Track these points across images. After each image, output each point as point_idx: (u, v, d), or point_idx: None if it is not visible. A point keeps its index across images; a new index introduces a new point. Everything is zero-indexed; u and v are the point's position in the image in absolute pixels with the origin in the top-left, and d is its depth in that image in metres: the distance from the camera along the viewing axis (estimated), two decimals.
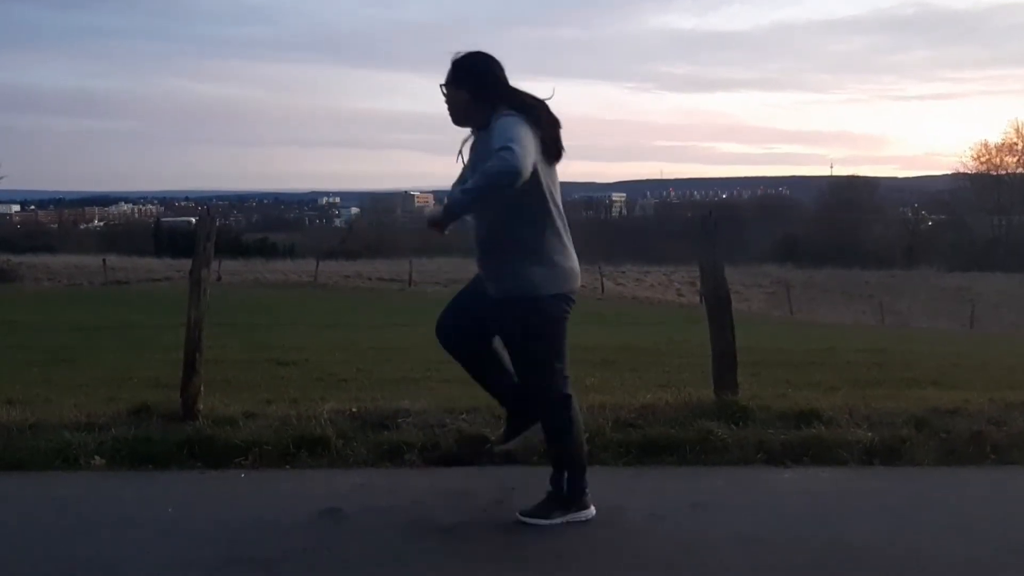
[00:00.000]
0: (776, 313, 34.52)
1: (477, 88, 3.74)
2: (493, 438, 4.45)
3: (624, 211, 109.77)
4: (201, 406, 5.34)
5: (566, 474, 3.90)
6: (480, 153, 3.70)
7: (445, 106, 3.80)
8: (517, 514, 3.88)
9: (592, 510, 3.91)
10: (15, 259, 39.48)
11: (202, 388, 5.39)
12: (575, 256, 3.81)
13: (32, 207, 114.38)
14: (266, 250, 51.00)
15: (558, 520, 3.83)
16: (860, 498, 4.24)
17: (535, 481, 4.37)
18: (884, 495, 4.28)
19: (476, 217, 3.74)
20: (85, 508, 4.08)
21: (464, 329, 3.98)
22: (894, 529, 3.81)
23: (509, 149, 3.41)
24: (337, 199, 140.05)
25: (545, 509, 3.87)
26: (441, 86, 3.78)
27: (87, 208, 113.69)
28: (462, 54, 3.77)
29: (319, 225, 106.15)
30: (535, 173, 3.57)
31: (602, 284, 37.81)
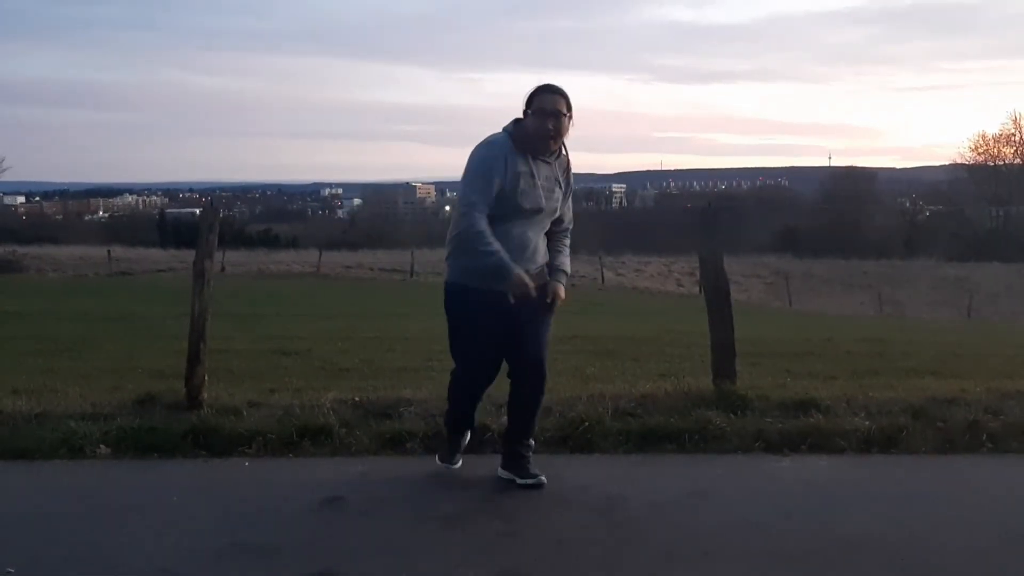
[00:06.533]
0: (775, 303, 34.52)
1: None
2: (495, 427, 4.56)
3: (624, 202, 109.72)
4: (205, 395, 5.39)
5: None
6: (553, 189, 4.15)
7: (555, 132, 4.06)
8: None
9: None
10: (21, 250, 39.53)
11: (206, 378, 5.43)
12: None
13: (37, 199, 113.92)
14: (269, 241, 51.01)
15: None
16: (858, 486, 4.28)
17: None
18: (881, 483, 4.33)
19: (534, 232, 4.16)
20: (90, 496, 4.12)
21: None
22: (891, 517, 3.84)
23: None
24: (339, 190, 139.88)
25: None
26: (563, 115, 4.05)
27: (92, 199, 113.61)
28: (557, 86, 4.09)
29: (322, 216, 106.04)
30: None
31: (602, 274, 37.82)
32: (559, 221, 4.26)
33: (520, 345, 4.15)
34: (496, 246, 3.95)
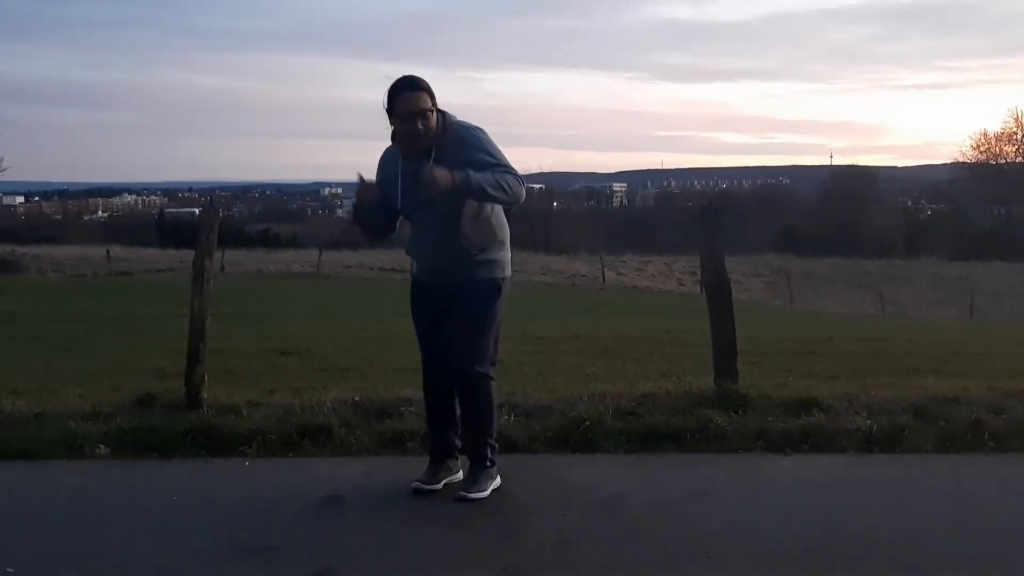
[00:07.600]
0: (776, 302, 34.53)
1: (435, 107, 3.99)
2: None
3: (625, 201, 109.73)
4: (205, 395, 5.39)
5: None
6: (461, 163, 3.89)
7: (425, 130, 3.92)
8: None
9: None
10: (20, 250, 39.63)
11: (206, 377, 5.43)
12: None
13: (36, 198, 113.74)
14: (269, 241, 51.06)
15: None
16: (859, 486, 4.27)
17: (534, 469, 4.42)
18: (883, 483, 4.31)
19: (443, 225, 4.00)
20: (90, 496, 4.12)
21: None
22: (893, 516, 3.84)
23: (520, 179, 3.97)
24: (339, 190, 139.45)
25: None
26: (429, 111, 3.93)
27: (91, 199, 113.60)
28: (413, 77, 3.97)
29: (321, 216, 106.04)
30: None
31: (603, 274, 37.83)
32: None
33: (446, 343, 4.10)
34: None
